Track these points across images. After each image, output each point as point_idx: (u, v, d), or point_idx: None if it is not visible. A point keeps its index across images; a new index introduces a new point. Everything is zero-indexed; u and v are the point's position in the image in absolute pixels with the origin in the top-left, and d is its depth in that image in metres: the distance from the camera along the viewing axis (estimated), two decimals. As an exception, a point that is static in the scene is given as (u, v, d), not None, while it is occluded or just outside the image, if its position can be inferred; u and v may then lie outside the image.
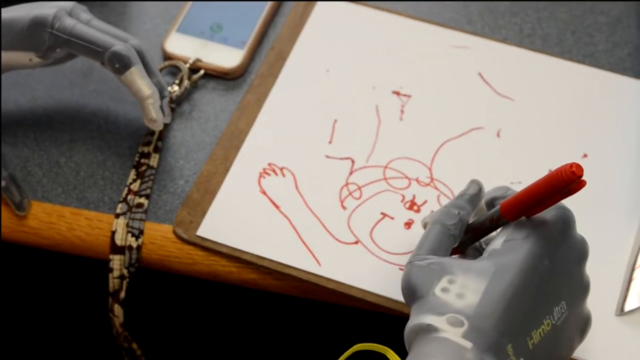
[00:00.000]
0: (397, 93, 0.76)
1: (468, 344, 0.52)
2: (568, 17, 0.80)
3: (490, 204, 0.62)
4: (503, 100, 0.75)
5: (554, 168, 0.71)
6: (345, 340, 0.75)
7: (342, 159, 0.72)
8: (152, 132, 0.73)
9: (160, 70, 0.76)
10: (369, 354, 0.57)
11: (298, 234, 0.68)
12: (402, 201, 0.70)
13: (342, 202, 0.70)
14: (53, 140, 0.73)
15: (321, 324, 0.74)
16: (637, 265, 0.66)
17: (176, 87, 0.75)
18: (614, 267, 0.67)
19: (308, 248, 0.67)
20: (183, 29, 0.79)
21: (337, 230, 0.68)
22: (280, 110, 0.75)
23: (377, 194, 0.70)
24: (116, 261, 0.68)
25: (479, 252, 0.63)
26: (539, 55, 0.78)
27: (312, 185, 0.71)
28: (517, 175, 0.71)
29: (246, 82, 0.77)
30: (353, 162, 0.72)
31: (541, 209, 0.57)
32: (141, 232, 0.68)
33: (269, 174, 0.71)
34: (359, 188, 0.71)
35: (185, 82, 0.76)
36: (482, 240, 0.62)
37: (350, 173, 0.71)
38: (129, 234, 0.68)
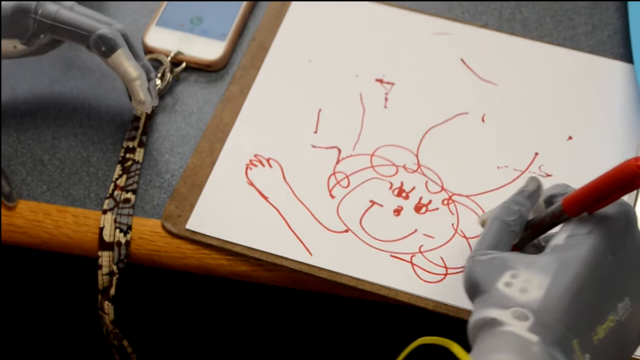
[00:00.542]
0: (380, 81, 0.76)
1: (534, 338, 0.51)
2: (547, 1, 0.81)
3: (549, 201, 0.61)
4: (486, 85, 0.75)
5: (539, 151, 0.72)
6: (339, 332, 0.75)
7: (328, 148, 0.72)
8: (137, 127, 0.73)
9: (142, 64, 0.76)
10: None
11: (288, 224, 0.68)
12: (390, 188, 0.70)
13: (330, 191, 0.70)
14: (35, 138, 0.73)
15: (314, 316, 0.74)
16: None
17: (158, 81, 0.74)
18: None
19: (298, 238, 0.67)
20: (163, 22, 0.78)
21: (326, 220, 0.68)
22: (264, 101, 0.75)
23: (365, 182, 0.70)
24: (105, 258, 0.67)
25: (537, 250, 0.62)
26: (520, 39, 0.78)
27: (300, 175, 0.70)
28: (503, 159, 0.71)
29: (228, 74, 0.77)
30: (339, 150, 0.72)
31: (604, 204, 0.56)
32: (129, 227, 0.68)
33: (255, 166, 0.71)
34: (347, 177, 0.70)
35: (168, 76, 0.75)
36: (541, 237, 0.62)
37: (337, 162, 0.71)
38: (117, 230, 0.68)
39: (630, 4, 0.78)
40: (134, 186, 0.70)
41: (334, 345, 0.77)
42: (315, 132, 0.73)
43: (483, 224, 0.64)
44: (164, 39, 0.77)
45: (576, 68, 0.76)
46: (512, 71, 0.76)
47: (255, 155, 0.71)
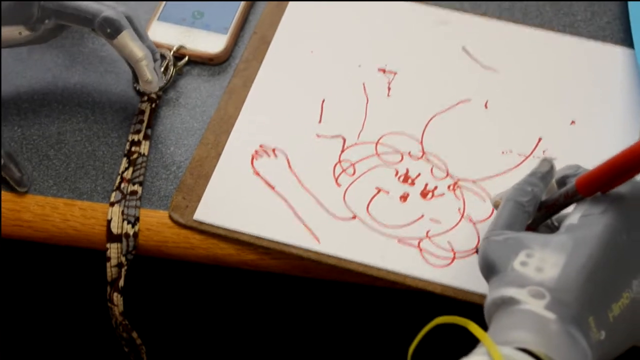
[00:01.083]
0: (383, 70, 0.76)
1: (552, 315, 0.51)
2: (545, -11, 0.81)
3: (562, 182, 0.62)
4: (488, 73, 0.76)
5: (543, 136, 0.72)
6: (348, 319, 0.75)
7: (333, 137, 0.72)
8: (141, 121, 0.73)
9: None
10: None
11: (295, 212, 0.68)
12: (396, 175, 0.70)
13: (336, 179, 0.70)
14: (40, 134, 0.73)
15: (323, 304, 0.74)
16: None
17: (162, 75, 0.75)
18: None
19: (306, 226, 0.67)
20: (164, 17, 0.79)
21: (333, 207, 0.68)
22: (267, 92, 0.75)
23: (371, 169, 0.70)
24: (113, 249, 0.68)
25: (550, 230, 0.62)
26: (521, 26, 0.78)
27: (305, 164, 0.71)
28: (507, 144, 0.72)
29: (231, 67, 0.77)
30: (344, 139, 0.72)
31: (617, 183, 0.56)
32: (137, 219, 0.68)
33: (261, 156, 0.71)
34: (352, 165, 0.71)
35: (171, 69, 0.75)
36: (554, 218, 0.62)
37: (342, 150, 0.71)
38: (125, 222, 0.68)
39: (628, -11, 0.79)
40: (141, 178, 0.70)
41: (343, 333, 0.77)
42: (320, 121, 0.73)
43: (496, 205, 0.64)
44: (166, 34, 0.78)
45: (577, 54, 0.77)
46: (514, 58, 0.77)
47: (261, 146, 0.72)
